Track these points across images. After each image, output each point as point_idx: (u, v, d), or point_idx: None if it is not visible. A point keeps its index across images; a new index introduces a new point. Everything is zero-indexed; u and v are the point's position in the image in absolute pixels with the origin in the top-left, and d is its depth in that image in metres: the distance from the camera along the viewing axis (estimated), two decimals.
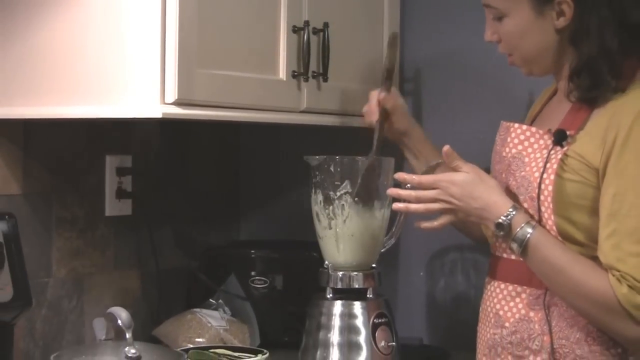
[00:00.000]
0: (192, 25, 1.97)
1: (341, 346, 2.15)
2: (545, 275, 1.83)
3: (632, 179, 1.77)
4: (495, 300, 1.94)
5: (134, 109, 1.97)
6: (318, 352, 2.16)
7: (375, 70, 2.48)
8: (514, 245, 1.82)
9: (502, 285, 1.93)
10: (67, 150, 2.35)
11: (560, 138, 1.84)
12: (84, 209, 2.38)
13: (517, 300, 1.90)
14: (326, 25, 2.28)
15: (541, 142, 1.88)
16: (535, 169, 1.86)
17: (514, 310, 1.90)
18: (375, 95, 2.26)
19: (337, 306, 2.18)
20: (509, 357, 1.90)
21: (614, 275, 1.75)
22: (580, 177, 1.82)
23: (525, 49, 1.94)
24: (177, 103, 1.94)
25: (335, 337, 2.16)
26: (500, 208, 1.83)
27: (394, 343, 2.17)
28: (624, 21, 1.85)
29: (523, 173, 1.88)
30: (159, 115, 1.93)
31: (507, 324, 1.90)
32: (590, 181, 1.82)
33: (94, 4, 2.02)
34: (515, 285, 1.90)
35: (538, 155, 1.87)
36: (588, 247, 1.83)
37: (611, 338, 1.82)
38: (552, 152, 1.84)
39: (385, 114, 2.25)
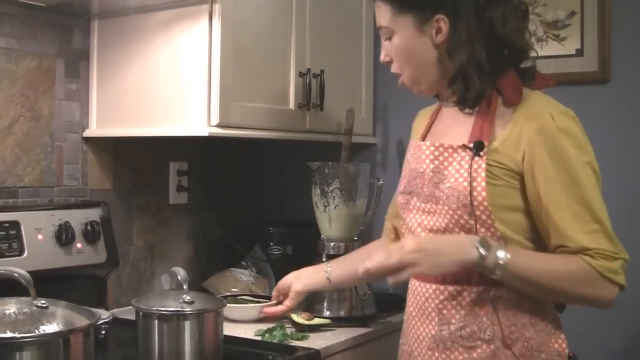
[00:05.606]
0: (229, 71, 1.98)
1: (332, 294, 2.12)
2: (530, 281, 1.48)
3: (565, 183, 1.49)
4: (437, 301, 1.56)
5: (189, 129, 1.99)
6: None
7: (356, 101, 2.47)
8: (497, 273, 1.47)
9: (442, 287, 1.56)
10: (143, 158, 2.36)
11: (479, 149, 1.50)
12: (155, 199, 2.40)
13: (459, 298, 1.54)
14: (322, 71, 2.28)
15: (455, 155, 1.55)
16: (461, 179, 1.51)
17: (458, 307, 1.54)
18: None
19: None
20: (460, 349, 1.54)
21: (586, 255, 1.47)
22: (505, 181, 1.50)
23: (411, 66, 1.60)
24: (219, 125, 1.96)
25: None
26: (466, 248, 1.46)
27: (369, 292, 2.15)
28: (492, 35, 1.54)
29: (449, 184, 1.53)
30: (206, 134, 1.95)
31: (453, 321, 1.54)
32: (513, 184, 1.50)
33: (161, 57, 2.04)
34: (456, 286, 1.54)
35: (458, 167, 1.53)
36: (518, 242, 1.53)
37: (545, 317, 1.55)
38: (474, 162, 1.50)
39: None
